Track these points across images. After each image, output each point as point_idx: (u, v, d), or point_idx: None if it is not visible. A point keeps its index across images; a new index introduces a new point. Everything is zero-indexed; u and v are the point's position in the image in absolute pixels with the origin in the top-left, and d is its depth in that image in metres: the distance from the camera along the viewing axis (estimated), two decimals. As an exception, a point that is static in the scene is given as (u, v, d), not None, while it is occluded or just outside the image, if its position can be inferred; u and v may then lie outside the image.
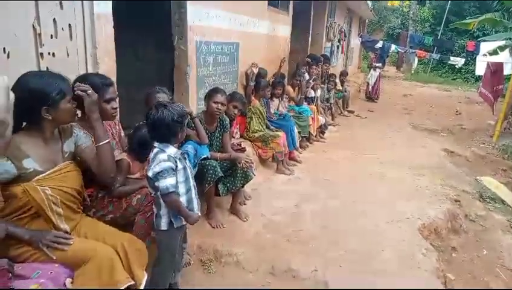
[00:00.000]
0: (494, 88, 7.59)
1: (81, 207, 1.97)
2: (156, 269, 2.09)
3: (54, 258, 1.69)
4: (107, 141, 1.93)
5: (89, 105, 1.93)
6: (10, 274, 1.51)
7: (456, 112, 10.25)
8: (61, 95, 1.72)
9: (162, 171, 1.89)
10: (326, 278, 2.61)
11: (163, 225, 2.01)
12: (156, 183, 1.92)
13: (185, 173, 2.02)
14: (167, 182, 1.89)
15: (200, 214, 2.15)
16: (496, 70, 7.54)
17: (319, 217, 3.51)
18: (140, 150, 2.35)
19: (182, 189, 2.01)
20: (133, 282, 1.76)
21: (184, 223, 2.08)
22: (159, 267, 2.09)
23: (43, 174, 1.72)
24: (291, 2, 7.15)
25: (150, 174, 1.93)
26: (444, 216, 3.67)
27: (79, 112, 2.27)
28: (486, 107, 8.40)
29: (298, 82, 6.23)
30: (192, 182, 2.10)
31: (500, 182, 4.83)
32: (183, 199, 2.01)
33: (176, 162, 1.95)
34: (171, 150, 1.96)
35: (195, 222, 2.07)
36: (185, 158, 2.07)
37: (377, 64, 11.17)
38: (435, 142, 6.80)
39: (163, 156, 1.93)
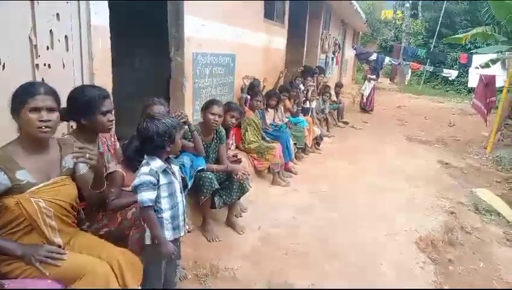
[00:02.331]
0: (487, 100, 7.67)
1: (76, 221, 1.93)
2: (144, 285, 2.03)
3: (47, 274, 1.64)
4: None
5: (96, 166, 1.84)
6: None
7: (450, 123, 10.33)
8: (21, 101, 1.64)
9: (140, 184, 1.88)
10: (323, 293, 2.58)
11: (147, 239, 1.98)
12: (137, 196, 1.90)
13: (169, 188, 1.97)
14: (144, 196, 1.87)
15: (183, 234, 2.10)
16: (488, 82, 7.64)
17: (316, 230, 3.49)
18: (134, 161, 2.31)
19: (165, 204, 1.97)
20: (127, 298, 1.73)
21: (172, 239, 2.02)
22: (145, 283, 2.02)
23: (37, 187, 1.69)
24: (286, 14, 7.22)
25: (132, 186, 1.93)
26: (441, 228, 3.67)
27: (73, 124, 2.26)
28: (480, 119, 8.47)
29: (294, 93, 6.26)
30: (180, 198, 2.04)
31: (495, 194, 4.85)
32: (166, 215, 1.97)
33: (158, 176, 1.91)
34: (157, 163, 1.93)
35: (167, 255, 1.96)
36: (173, 173, 2.02)
37: (371, 76, 11.28)
38: (430, 154, 6.83)
39: (145, 169, 1.90)
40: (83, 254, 1.78)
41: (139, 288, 1.87)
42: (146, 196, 1.87)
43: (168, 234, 2.00)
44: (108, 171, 2.25)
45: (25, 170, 1.67)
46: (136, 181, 1.89)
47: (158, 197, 1.93)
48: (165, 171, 1.96)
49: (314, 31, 9.46)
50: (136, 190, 1.89)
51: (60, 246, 1.76)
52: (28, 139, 1.70)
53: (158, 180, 1.91)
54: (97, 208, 2.15)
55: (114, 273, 1.76)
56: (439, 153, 7.02)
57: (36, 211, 1.67)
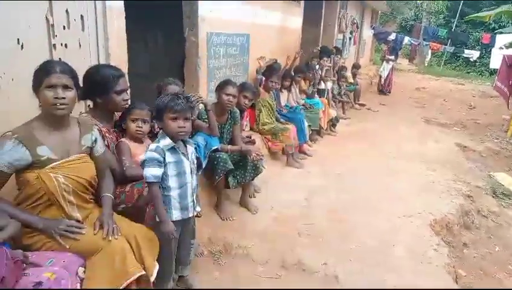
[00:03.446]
0: (510, 82, 7.41)
1: (93, 198, 1.99)
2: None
3: (67, 247, 1.71)
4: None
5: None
6: (24, 265, 1.53)
7: (470, 106, 10.07)
8: (39, 79, 1.69)
9: (146, 160, 1.92)
10: (336, 272, 2.60)
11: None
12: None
13: (177, 167, 1.98)
14: (148, 172, 1.90)
15: (191, 215, 2.11)
16: (512, 63, 7.37)
17: (330, 211, 3.50)
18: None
19: (173, 183, 1.98)
20: (144, 272, 1.78)
21: (180, 218, 2.04)
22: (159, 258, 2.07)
23: (57, 162, 1.75)
24: (303, -7, 7.05)
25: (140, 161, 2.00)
26: (456, 212, 3.63)
27: (90, 103, 2.30)
28: (501, 102, 8.23)
29: (310, 75, 6.17)
30: (190, 179, 2.04)
31: (514, 178, 4.75)
32: (174, 193, 1.99)
33: (164, 154, 1.93)
34: (165, 141, 1.95)
35: (167, 234, 1.95)
36: (184, 153, 2.01)
37: (390, 57, 10.99)
38: (448, 137, 6.70)
39: (153, 146, 1.94)
40: (100, 229, 1.83)
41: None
42: (150, 172, 1.90)
43: (176, 214, 2.03)
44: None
45: (45, 146, 1.72)
46: (143, 157, 1.95)
47: (166, 175, 1.95)
48: (173, 150, 1.97)
49: (331, 9, 9.21)
50: (143, 164, 1.94)
51: (78, 221, 1.82)
52: (47, 116, 1.74)
53: (164, 158, 1.93)
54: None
55: (131, 249, 1.81)
56: (458, 136, 6.88)
57: (55, 186, 1.72)
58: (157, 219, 1.99)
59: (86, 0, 2.46)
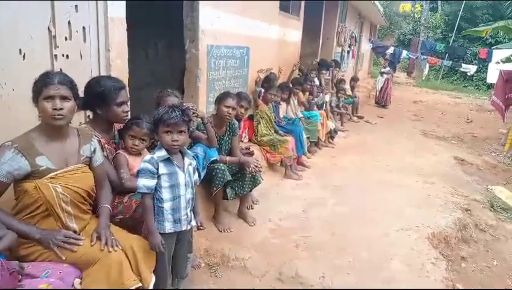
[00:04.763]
0: (506, 96, 7.48)
1: (91, 209, 1.99)
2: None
3: (64, 258, 1.70)
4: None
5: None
6: (20, 276, 1.52)
7: (467, 119, 10.13)
8: (38, 90, 1.70)
9: (140, 170, 1.94)
10: (333, 285, 2.59)
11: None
12: None
13: (170, 179, 1.97)
14: (140, 182, 1.91)
15: (185, 228, 2.08)
16: (508, 78, 7.44)
17: (327, 223, 3.49)
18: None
19: (166, 195, 1.97)
20: (140, 284, 1.77)
21: (173, 231, 2.03)
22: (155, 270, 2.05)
23: (55, 173, 1.75)
24: (302, 6, 7.15)
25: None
26: (454, 225, 3.62)
27: (90, 114, 2.31)
28: (498, 116, 8.29)
29: (308, 87, 6.22)
30: (184, 192, 2.02)
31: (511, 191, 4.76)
32: (167, 206, 1.99)
33: (157, 165, 1.93)
34: (160, 153, 1.96)
35: (155, 246, 1.92)
36: (179, 165, 2.00)
37: (384, 70, 11.10)
38: (445, 150, 6.73)
39: (148, 156, 1.96)
40: (97, 240, 1.83)
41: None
42: (142, 182, 1.91)
43: (169, 226, 2.01)
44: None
45: (44, 156, 1.72)
46: (139, 167, 1.97)
47: (159, 186, 1.96)
48: (167, 161, 1.97)
49: (330, 23, 9.33)
50: (137, 174, 1.97)
51: (75, 232, 1.82)
52: (47, 127, 1.75)
53: (158, 170, 1.94)
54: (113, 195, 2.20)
55: (128, 260, 1.81)
56: (455, 149, 6.91)
57: (53, 196, 1.72)
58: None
59: (89, 12, 2.49)
